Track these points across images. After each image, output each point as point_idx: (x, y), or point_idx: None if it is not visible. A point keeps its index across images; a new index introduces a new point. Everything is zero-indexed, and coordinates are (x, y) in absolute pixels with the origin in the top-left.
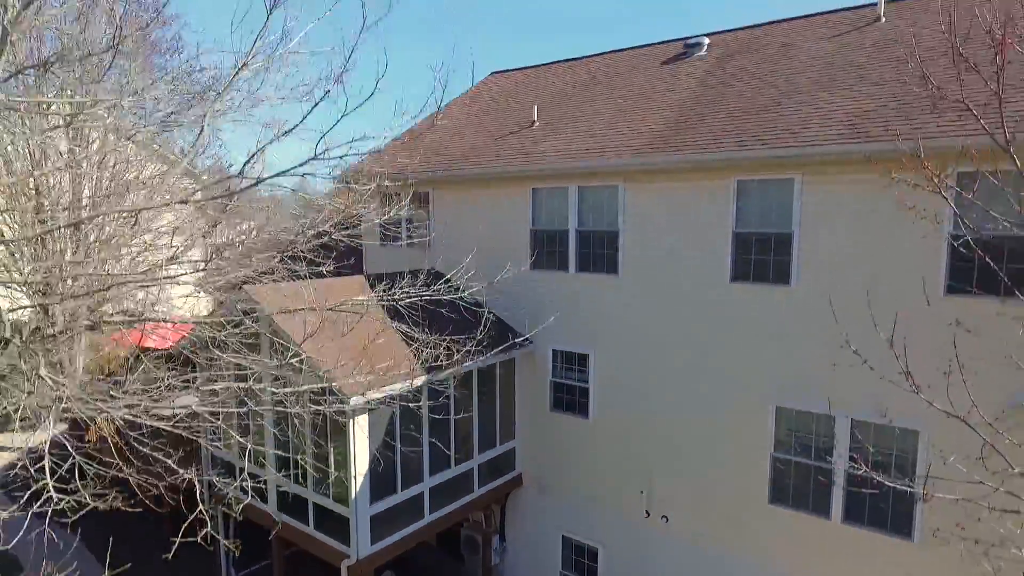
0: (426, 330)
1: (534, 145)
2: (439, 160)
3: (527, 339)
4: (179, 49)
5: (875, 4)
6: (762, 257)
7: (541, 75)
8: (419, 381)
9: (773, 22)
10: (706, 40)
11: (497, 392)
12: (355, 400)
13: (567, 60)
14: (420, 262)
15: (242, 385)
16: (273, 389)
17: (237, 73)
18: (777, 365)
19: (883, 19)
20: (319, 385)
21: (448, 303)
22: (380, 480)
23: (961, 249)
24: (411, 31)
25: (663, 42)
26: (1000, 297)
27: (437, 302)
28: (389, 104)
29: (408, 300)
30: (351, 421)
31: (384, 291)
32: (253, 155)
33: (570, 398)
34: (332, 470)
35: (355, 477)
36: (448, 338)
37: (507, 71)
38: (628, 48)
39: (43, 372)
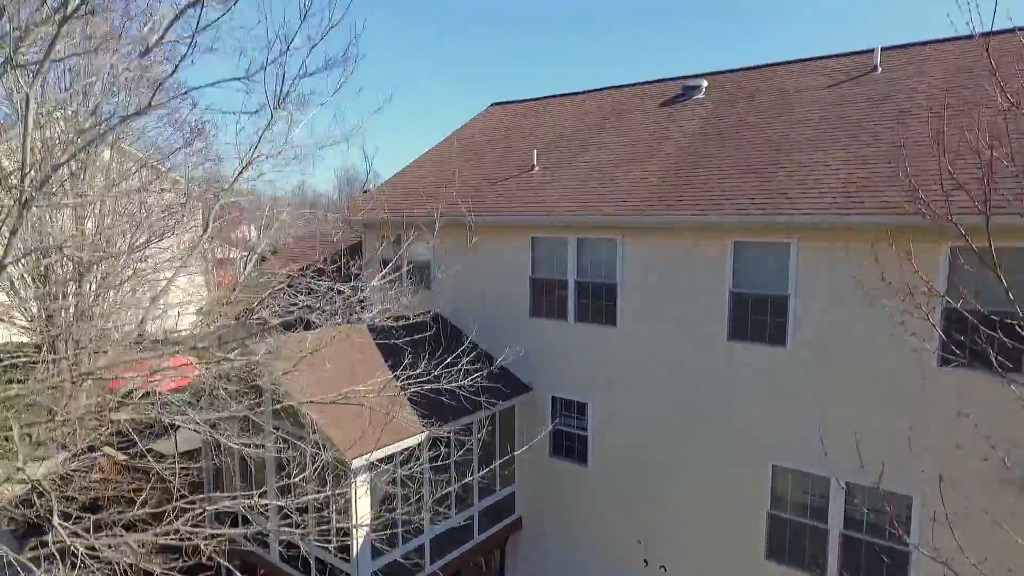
0: (432, 372)
1: (533, 194)
2: (438, 204)
3: (528, 386)
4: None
5: (872, 51)
6: (759, 318)
7: (541, 110)
8: (423, 437)
9: (772, 64)
10: (704, 82)
11: (497, 437)
12: (357, 463)
13: (567, 95)
14: (422, 303)
15: (243, 443)
16: (275, 451)
17: (241, 171)
18: (774, 424)
19: (879, 69)
20: (326, 456)
21: (453, 347)
22: (382, 534)
23: (955, 320)
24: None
25: (662, 80)
26: (991, 371)
27: (445, 348)
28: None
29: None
30: (352, 483)
31: (406, 374)
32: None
33: (569, 444)
34: (334, 523)
35: (356, 535)
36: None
37: (507, 103)
38: (627, 85)
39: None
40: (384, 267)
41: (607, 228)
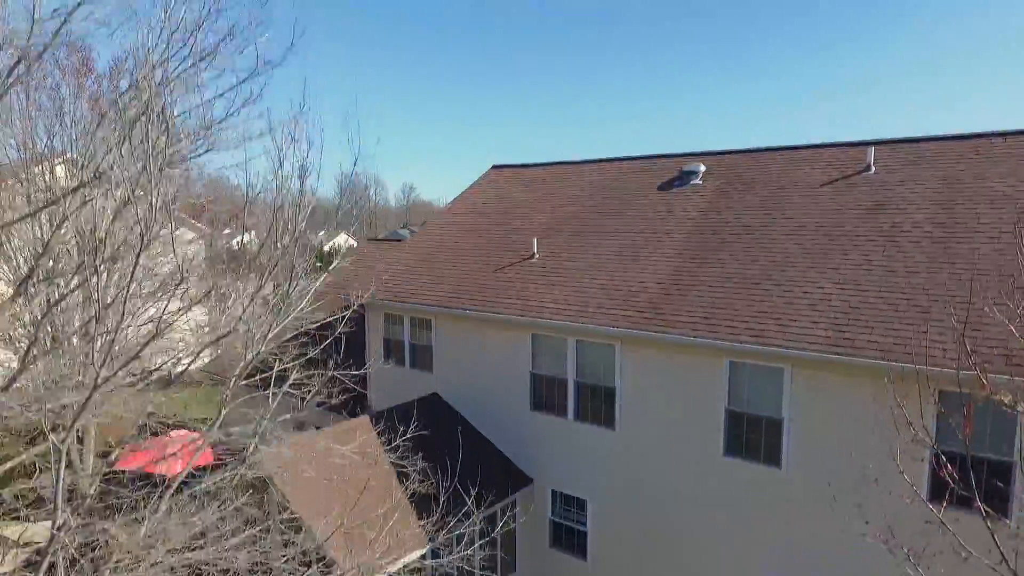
0: (437, 471)
1: (534, 290)
2: (440, 287)
3: (529, 477)
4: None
5: (867, 147)
6: (754, 436)
7: (540, 181)
8: (427, 547)
9: (769, 149)
10: (702, 167)
11: (498, 527)
12: None
13: (566, 163)
14: (423, 383)
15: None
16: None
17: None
18: (769, 541)
19: (872, 168)
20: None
21: (455, 435)
22: None
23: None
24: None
25: (660, 156)
26: (973, 511)
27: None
28: None
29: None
30: None
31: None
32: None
33: (569, 537)
34: None
35: None
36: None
37: (507, 166)
38: (626, 158)
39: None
40: (386, 348)
41: (605, 335)
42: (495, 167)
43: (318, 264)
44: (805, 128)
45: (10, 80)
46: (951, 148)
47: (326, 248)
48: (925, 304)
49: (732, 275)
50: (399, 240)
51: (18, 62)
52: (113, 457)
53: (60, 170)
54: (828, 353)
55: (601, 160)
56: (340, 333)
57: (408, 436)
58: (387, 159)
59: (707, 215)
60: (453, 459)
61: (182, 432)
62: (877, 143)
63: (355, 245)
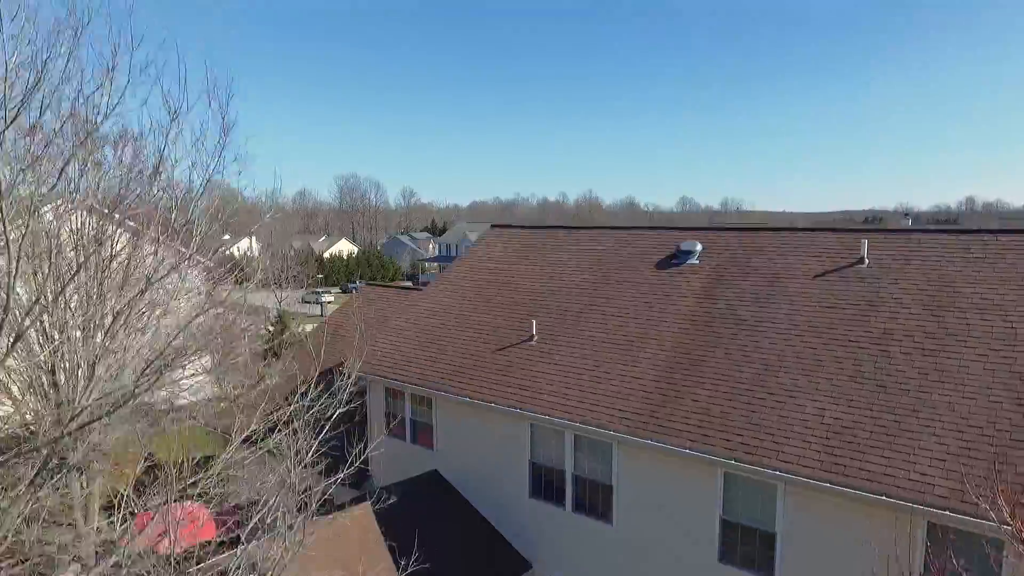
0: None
1: (533, 379)
2: (441, 366)
3: (528, 561)
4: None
5: (860, 236)
6: (748, 547)
7: (539, 246)
8: None
9: (765, 229)
10: (699, 246)
11: None
12: None
13: (564, 228)
14: (424, 459)
15: None
16: None
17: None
18: None
19: (866, 261)
20: None
21: (455, 515)
22: None
23: None
24: None
25: (658, 229)
26: None
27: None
28: None
29: None
30: None
31: None
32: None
33: None
34: None
35: None
36: None
37: (506, 227)
38: (624, 228)
39: None
40: (388, 422)
41: (603, 434)
42: (494, 226)
43: (320, 277)
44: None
45: None
46: (944, 245)
47: (326, 255)
48: (916, 429)
49: (726, 376)
50: (401, 288)
51: None
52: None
53: None
54: (820, 481)
55: (599, 227)
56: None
57: (409, 516)
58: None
59: (702, 302)
60: (453, 540)
61: (189, 506)
62: (871, 231)
63: (358, 288)
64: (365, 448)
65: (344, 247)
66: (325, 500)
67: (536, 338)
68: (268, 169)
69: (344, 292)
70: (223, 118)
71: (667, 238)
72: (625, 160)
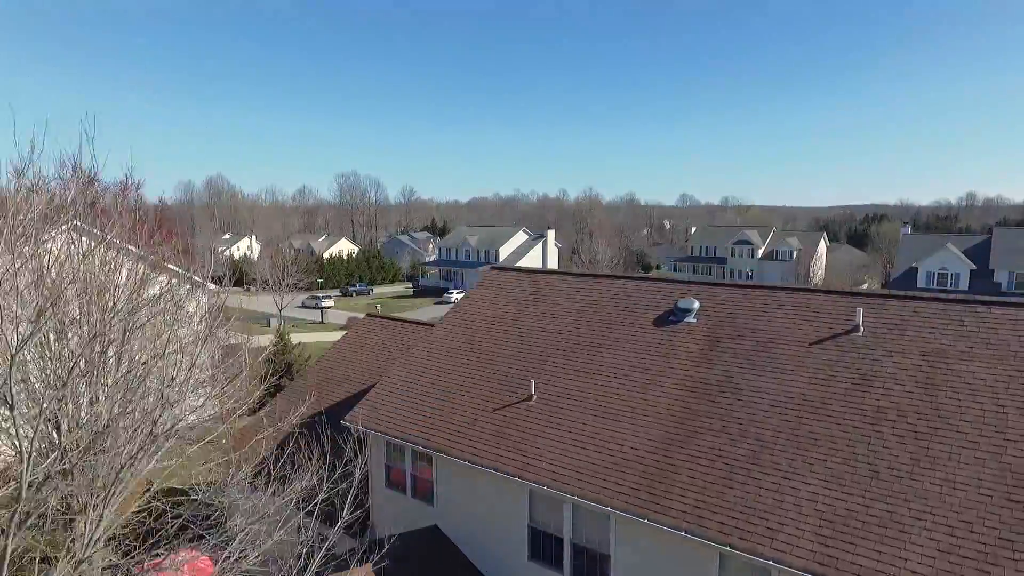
0: None
1: (532, 444)
2: (441, 424)
3: None
4: None
5: (855, 302)
6: None
7: (537, 292)
8: None
9: (761, 287)
10: (696, 303)
11: None
12: None
13: (561, 273)
14: (424, 514)
15: None
16: None
17: None
18: None
19: (861, 330)
20: None
21: (455, 573)
22: None
23: None
24: None
25: (656, 281)
26: None
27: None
28: None
29: None
30: None
31: None
32: None
33: None
34: None
35: None
36: None
37: (505, 268)
38: (621, 278)
39: None
40: (387, 474)
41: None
42: (493, 267)
43: (319, 281)
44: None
45: None
46: (937, 315)
47: (326, 255)
48: (907, 520)
49: (722, 453)
50: (402, 320)
51: None
52: None
53: None
54: (813, 573)
55: (597, 275)
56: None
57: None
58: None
59: (699, 367)
60: None
61: (198, 559)
62: (867, 295)
63: (361, 317)
64: (368, 497)
65: (344, 246)
66: (328, 555)
67: (535, 398)
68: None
69: (344, 295)
70: None
71: (665, 291)
72: (625, 158)
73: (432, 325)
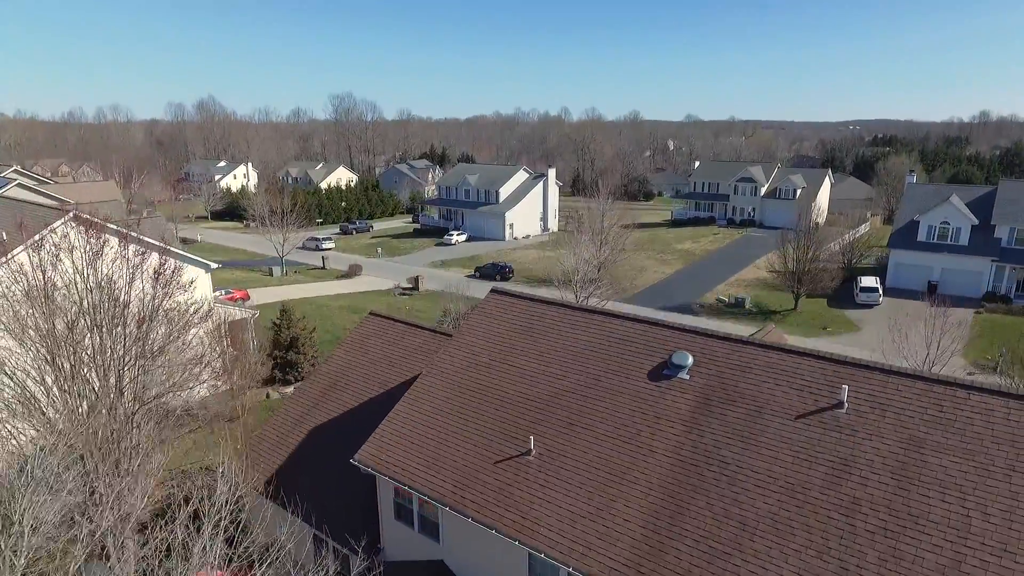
0: None
1: (530, 504)
2: (444, 472)
3: None
4: None
5: (845, 362)
6: None
7: (535, 327)
8: None
9: (753, 344)
10: (690, 359)
11: None
12: None
13: (561, 304)
14: (431, 548)
15: None
16: None
17: None
18: None
19: (845, 407)
20: None
21: None
22: None
23: None
24: None
25: (652, 324)
26: None
27: None
28: None
29: None
30: None
31: None
32: None
33: None
34: None
35: None
36: None
37: (506, 293)
38: (618, 316)
39: None
40: (396, 508)
41: None
42: (494, 291)
43: (319, 221)
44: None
45: None
46: (919, 395)
47: (323, 185)
48: None
49: (707, 534)
50: (408, 324)
51: None
52: None
53: None
54: None
55: (593, 311)
56: None
57: None
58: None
59: (690, 432)
60: None
61: None
62: (854, 365)
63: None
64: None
65: (343, 175)
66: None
67: (534, 452)
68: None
69: (344, 233)
70: None
71: (660, 338)
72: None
73: (433, 331)
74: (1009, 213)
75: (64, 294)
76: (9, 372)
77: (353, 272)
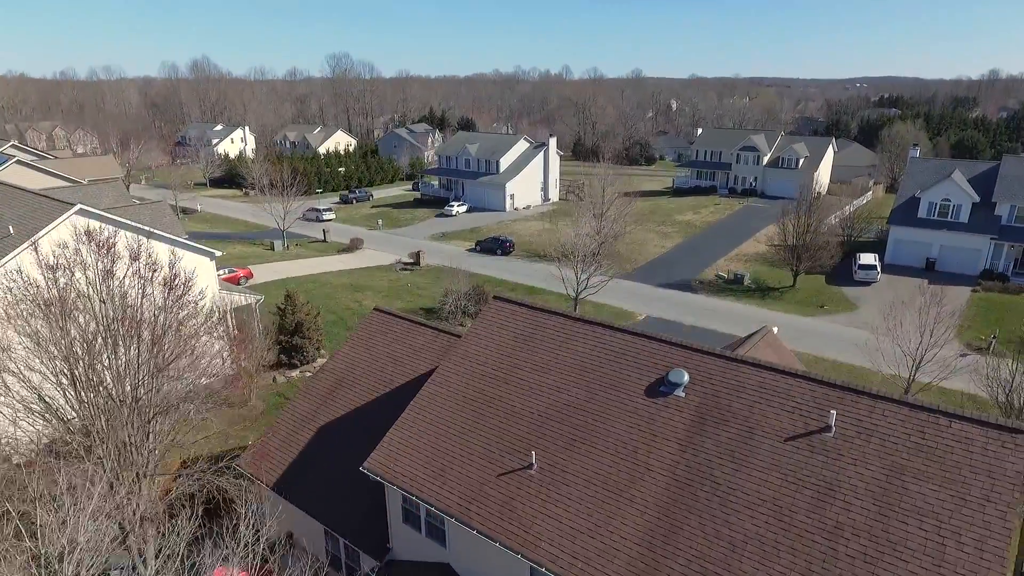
0: None
1: (532, 518)
2: (449, 484)
3: None
4: None
5: (834, 385)
6: None
7: (536, 336)
8: None
9: (747, 363)
10: (686, 377)
11: None
12: None
13: (562, 315)
14: (437, 551)
15: None
16: None
17: None
18: None
19: (833, 430)
20: None
21: None
22: None
23: None
24: None
25: (651, 339)
26: None
27: None
28: None
29: None
30: None
31: None
32: None
33: None
34: None
35: None
36: None
37: (508, 301)
38: (618, 330)
39: None
40: (405, 512)
41: None
42: (496, 297)
43: (319, 190)
44: None
45: None
46: (904, 421)
47: (321, 150)
48: None
49: (698, 554)
50: (415, 322)
51: None
52: None
53: None
54: None
55: (592, 322)
56: None
57: None
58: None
59: (684, 451)
60: None
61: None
62: (844, 389)
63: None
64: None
65: (341, 139)
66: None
67: (535, 467)
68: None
69: (344, 202)
70: None
71: (657, 353)
72: (632, 31)
73: (436, 329)
74: (1011, 190)
75: (80, 308)
76: (25, 378)
77: (354, 246)
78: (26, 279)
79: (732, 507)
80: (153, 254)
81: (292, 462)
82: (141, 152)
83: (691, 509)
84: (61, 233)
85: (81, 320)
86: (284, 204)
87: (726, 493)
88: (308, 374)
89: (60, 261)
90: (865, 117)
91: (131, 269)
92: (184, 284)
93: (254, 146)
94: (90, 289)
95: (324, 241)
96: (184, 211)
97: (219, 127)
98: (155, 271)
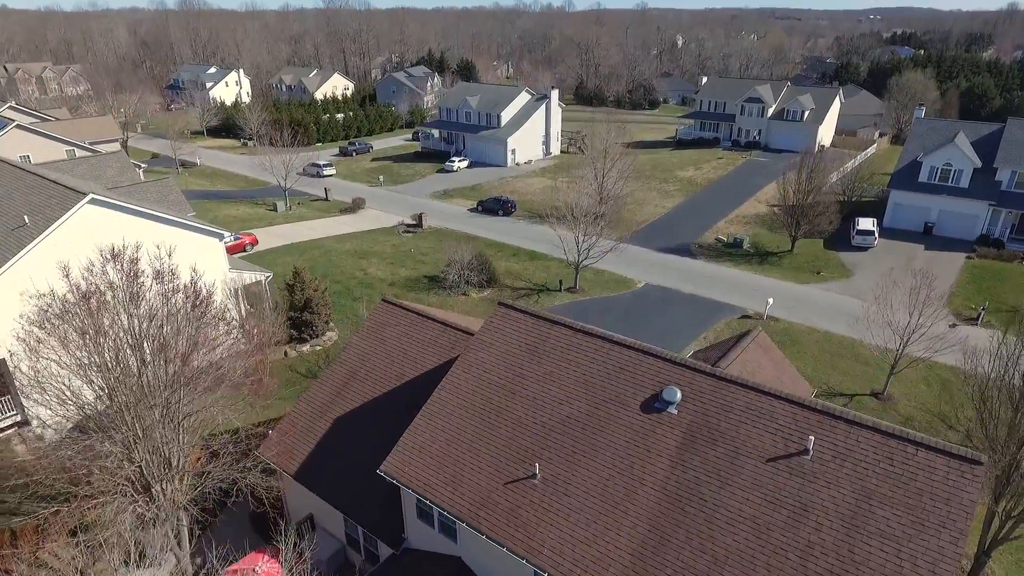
0: None
1: (537, 526)
2: (460, 489)
3: None
4: None
5: (817, 410)
6: None
7: (539, 346)
8: None
9: (737, 384)
10: (679, 395)
11: None
12: None
13: (564, 325)
14: (449, 546)
15: None
16: None
17: None
18: None
19: (810, 454)
20: None
21: None
22: None
23: None
24: None
25: (648, 355)
26: None
27: None
28: None
29: None
30: None
31: None
32: None
33: None
34: None
35: None
36: None
37: (513, 309)
38: (619, 344)
39: None
40: (419, 508)
41: None
42: (502, 304)
43: (319, 144)
44: None
45: None
46: (876, 448)
47: (318, 95)
48: None
49: (685, 566)
50: (422, 315)
51: None
52: None
53: None
54: None
55: (594, 335)
56: None
57: None
58: None
59: (675, 468)
60: None
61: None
62: (823, 413)
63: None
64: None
65: (338, 83)
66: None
67: (539, 477)
68: None
69: (344, 154)
70: None
71: (653, 369)
72: None
73: (443, 324)
74: (1013, 155)
75: (112, 327)
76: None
77: (356, 206)
78: (62, 303)
79: (717, 523)
80: (175, 267)
81: (311, 452)
82: (138, 104)
83: (679, 524)
84: (76, 229)
85: (111, 342)
86: (285, 163)
87: (712, 510)
88: (318, 347)
89: (91, 287)
90: (876, 59)
91: (155, 290)
92: (206, 300)
93: (249, 90)
94: (119, 307)
95: (326, 200)
96: (183, 165)
97: (212, 69)
98: (177, 292)
